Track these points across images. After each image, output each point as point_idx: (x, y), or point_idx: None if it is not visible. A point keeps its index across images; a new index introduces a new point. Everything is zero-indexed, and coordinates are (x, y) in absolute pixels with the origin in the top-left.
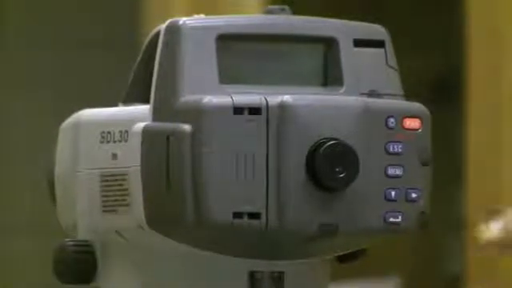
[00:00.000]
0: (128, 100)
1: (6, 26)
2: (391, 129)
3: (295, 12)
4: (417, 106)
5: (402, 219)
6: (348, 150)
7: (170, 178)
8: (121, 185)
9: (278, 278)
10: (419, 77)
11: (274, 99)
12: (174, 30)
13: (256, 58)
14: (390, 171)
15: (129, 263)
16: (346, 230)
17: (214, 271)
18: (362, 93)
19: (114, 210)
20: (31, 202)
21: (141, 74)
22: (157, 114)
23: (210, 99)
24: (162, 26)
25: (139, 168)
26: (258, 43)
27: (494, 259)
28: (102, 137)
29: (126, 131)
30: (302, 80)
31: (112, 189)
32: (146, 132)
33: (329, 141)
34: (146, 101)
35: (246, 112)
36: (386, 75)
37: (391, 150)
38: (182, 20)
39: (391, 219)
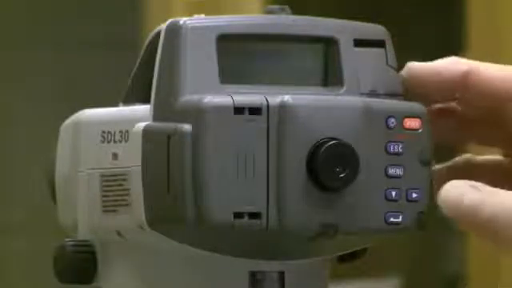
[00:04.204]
0: (128, 100)
1: (6, 26)
2: (391, 129)
3: (295, 12)
4: (417, 106)
5: (403, 219)
6: (348, 149)
7: (170, 178)
8: (121, 185)
9: (279, 278)
10: None
11: (275, 99)
12: (174, 30)
13: (256, 57)
14: (391, 171)
15: (129, 263)
16: (347, 230)
17: (215, 271)
18: (363, 93)
19: (114, 210)
20: (30, 201)
21: (141, 73)
22: (157, 114)
23: (211, 99)
24: (163, 26)
25: (140, 168)
26: (258, 43)
27: (495, 259)
28: (103, 137)
29: (127, 131)
30: (302, 80)
31: (112, 189)
32: (146, 132)
33: (329, 141)
34: (146, 101)
35: (246, 112)
36: (387, 75)
37: (391, 149)
38: (183, 20)
39: (392, 219)
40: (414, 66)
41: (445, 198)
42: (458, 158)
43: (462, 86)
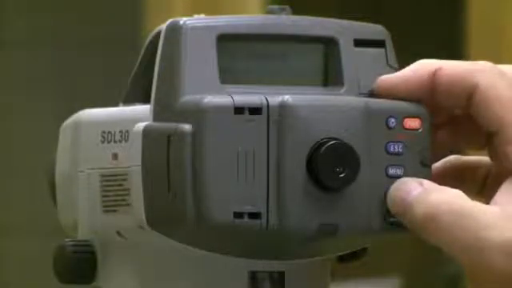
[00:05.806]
0: (128, 100)
1: (6, 26)
2: (391, 129)
3: (295, 12)
4: (417, 106)
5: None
6: (348, 149)
7: (170, 178)
8: (121, 185)
9: (279, 278)
10: None
11: (275, 99)
12: (174, 30)
13: (256, 57)
14: (391, 171)
15: (129, 263)
16: (346, 230)
17: (214, 271)
18: (363, 93)
19: (114, 210)
20: (31, 201)
21: (141, 73)
22: (157, 114)
23: (211, 99)
24: (163, 26)
25: (140, 168)
26: (258, 43)
27: None
28: (103, 137)
29: (127, 131)
30: (302, 80)
31: (112, 189)
32: (146, 132)
33: (329, 141)
34: (146, 101)
35: (246, 112)
36: None
37: (391, 149)
38: (183, 20)
39: (391, 219)
40: (382, 79)
41: (389, 195)
42: (447, 159)
43: (430, 87)
